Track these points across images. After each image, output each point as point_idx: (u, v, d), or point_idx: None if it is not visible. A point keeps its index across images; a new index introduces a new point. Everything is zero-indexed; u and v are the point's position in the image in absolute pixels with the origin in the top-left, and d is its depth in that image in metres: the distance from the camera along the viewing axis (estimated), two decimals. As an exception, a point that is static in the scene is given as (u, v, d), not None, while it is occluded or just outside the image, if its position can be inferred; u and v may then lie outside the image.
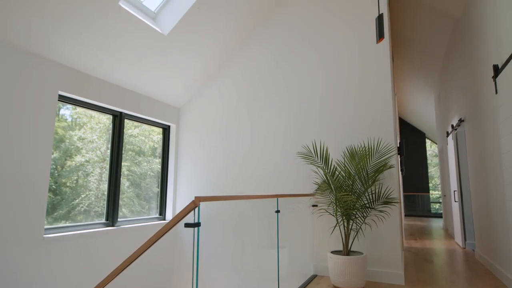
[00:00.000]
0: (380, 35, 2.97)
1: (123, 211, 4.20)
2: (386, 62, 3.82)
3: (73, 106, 3.66)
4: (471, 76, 4.32)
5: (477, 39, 3.84)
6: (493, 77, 3.11)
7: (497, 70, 3.03)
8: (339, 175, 3.47)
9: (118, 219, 4.03)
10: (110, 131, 4.10)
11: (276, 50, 4.54)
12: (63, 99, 3.48)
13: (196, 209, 1.68)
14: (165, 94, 4.66)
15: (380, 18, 2.95)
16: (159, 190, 4.88)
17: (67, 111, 3.60)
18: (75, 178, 3.67)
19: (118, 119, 4.14)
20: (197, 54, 4.38)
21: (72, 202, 3.61)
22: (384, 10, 3.84)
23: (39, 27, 2.91)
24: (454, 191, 5.81)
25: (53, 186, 3.43)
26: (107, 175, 4.00)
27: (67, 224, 3.49)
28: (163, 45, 3.88)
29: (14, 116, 2.92)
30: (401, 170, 5.22)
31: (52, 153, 3.36)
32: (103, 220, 3.89)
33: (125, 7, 3.29)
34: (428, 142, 14.09)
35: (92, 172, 3.84)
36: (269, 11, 4.63)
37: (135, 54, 3.76)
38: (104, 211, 3.93)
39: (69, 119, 3.65)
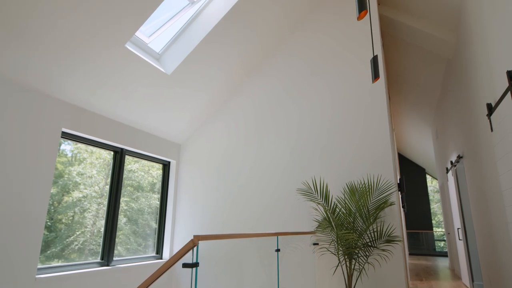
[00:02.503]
0: (375, 75, 3.08)
1: (118, 249, 4.08)
2: (383, 100, 3.93)
3: (74, 142, 3.69)
4: (466, 114, 4.42)
5: (470, 79, 3.98)
6: (487, 115, 3.18)
7: (491, 109, 3.11)
8: (340, 212, 3.42)
9: (114, 258, 3.91)
10: (110, 166, 4.11)
11: (276, 89, 4.68)
12: (66, 135, 3.52)
13: (195, 249, 1.64)
14: (167, 130, 4.73)
15: (374, 60, 3.08)
16: (157, 226, 4.78)
17: (67, 146, 3.63)
18: (71, 214, 3.62)
19: (119, 155, 4.16)
20: (199, 92, 4.51)
21: (67, 240, 3.52)
22: (379, 51, 4.03)
23: (47, 66, 3.02)
24: (458, 228, 5.69)
25: (48, 223, 3.37)
26: (105, 212, 3.94)
27: (61, 264, 3.38)
28: (166, 83, 4.02)
29: (16, 153, 2.94)
30: (402, 207, 5.15)
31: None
32: (98, 259, 3.77)
33: (131, 49, 3.45)
34: (428, 178, 14.03)
35: (89, 208, 3.78)
36: (268, 55, 4.84)
37: (138, 92, 3.88)
38: (100, 250, 3.81)
39: (69, 154, 3.67)
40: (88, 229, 3.75)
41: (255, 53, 4.67)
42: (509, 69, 2.48)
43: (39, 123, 3.15)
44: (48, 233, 3.35)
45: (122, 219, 4.18)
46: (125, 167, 4.28)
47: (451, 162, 5.81)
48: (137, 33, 3.64)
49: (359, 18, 2.18)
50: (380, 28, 5.23)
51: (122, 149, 4.20)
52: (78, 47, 3.04)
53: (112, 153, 4.14)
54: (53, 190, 3.44)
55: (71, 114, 3.48)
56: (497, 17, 2.74)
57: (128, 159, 4.36)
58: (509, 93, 2.48)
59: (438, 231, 13.12)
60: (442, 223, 14.03)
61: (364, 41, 4.23)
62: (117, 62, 3.40)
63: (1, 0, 2.42)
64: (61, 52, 2.99)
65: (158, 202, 4.87)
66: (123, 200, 4.23)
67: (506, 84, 2.66)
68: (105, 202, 3.97)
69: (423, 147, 10.65)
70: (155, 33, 3.80)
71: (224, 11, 3.81)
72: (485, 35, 3.15)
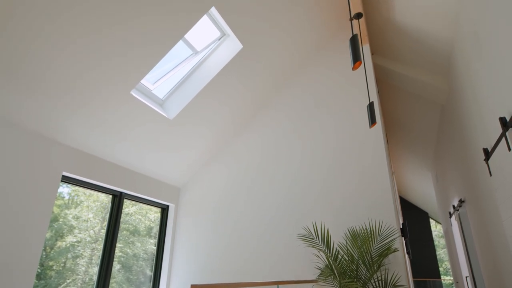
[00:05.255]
0: (372, 121, 3.17)
1: (110, 299, 3.86)
2: (381, 145, 3.98)
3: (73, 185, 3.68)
4: (464, 158, 4.45)
5: (464, 124, 4.08)
6: (484, 159, 3.21)
7: (487, 153, 3.15)
8: (342, 259, 3.30)
9: (104, 309, 3.69)
10: (107, 210, 4.04)
11: (276, 133, 4.77)
12: (66, 179, 3.51)
13: (191, 300, 1.57)
14: (167, 174, 4.73)
15: (371, 106, 3.19)
16: (152, 274, 4.57)
17: (65, 189, 3.60)
18: (63, 260, 3.48)
19: (118, 199, 4.11)
20: (199, 136, 4.59)
21: (56, 289, 3.35)
22: (374, 98, 4.17)
23: (51, 111, 3.11)
24: (466, 277, 5.44)
25: (38, 270, 3.23)
26: (99, 259, 3.80)
27: (48, 315, 3.18)
28: (167, 128, 4.10)
29: (13, 198, 2.91)
30: (407, 253, 4.98)
31: (45, 234, 3.24)
32: (88, 310, 3.55)
33: (136, 95, 3.58)
34: (432, 222, 13.70)
35: (82, 254, 3.65)
36: (267, 98, 5.01)
37: (140, 136, 3.94)
38: (90, 300, 3.61)
39: (67, 197, 3.63)
40: (79, 276, 3.59)
41: (255, 99, 4.83)
42: (501, 116, 2.56)
43: (39, 167, 3.16)
44: (37, 281, 3.20)
45: (115, 266, 4.01)
46: (122, 211, 4.21)
47: (454, 206, 5.73)
48: (142, 80, 3.79)
49: (354, 68, 2.30)
50: (375, 76, 5.47)
51: (121, 192, 4.16)
52: (83, 92, 3.16)
53: (110, 196, 4.09)
54: (47, 235, 3.35)
55: (72, 158, 3.50)
56: (485, 65, 2.89)
57: (125, 202, 4.30)
58: (503, 138, 2.54)
59: (446, 279, 12.51)
60: (450, 270, 13.40)
61: (362, 85, 4.40)
62: (121, 107, 3.50)
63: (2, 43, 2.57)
64: (70, 99, 3.09)
65: (155, 248, 4.71)
66: (118, 246, 4.09)
67: (499, 129, 2.72)
68: (100, 247, 3.85)
69: (424, 191, 10.54)
70: (159, 81, 3.96)
71: (226, 61, 4.01)
72: (475, 82, 3.29)
